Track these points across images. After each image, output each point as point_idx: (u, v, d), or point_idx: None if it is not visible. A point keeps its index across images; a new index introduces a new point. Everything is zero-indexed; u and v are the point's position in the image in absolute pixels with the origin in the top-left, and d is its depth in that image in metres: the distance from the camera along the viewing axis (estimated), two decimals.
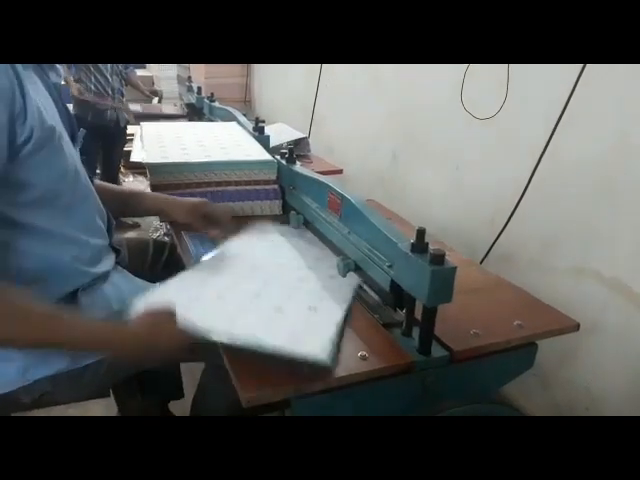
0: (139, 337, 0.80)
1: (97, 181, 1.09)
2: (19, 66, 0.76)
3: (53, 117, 0.84)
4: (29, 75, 0.80)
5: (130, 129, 3.03)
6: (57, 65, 0.93)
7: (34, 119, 0.77)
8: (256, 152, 1.40)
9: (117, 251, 1.05)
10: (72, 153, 0.89)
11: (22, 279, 0.82)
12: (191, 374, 1.29)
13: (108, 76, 2.99)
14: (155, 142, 1.47)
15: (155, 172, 1.27)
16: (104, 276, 0.96)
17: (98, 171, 3.31)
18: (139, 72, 5.30)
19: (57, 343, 0.78)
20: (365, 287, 0.98)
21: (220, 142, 1.48)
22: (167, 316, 0.81)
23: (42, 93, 0.84)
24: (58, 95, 0.90)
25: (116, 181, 3.32)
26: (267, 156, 1.35)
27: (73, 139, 0.93)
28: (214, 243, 1.12)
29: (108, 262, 0.99)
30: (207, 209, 1.12)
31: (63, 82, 2.84)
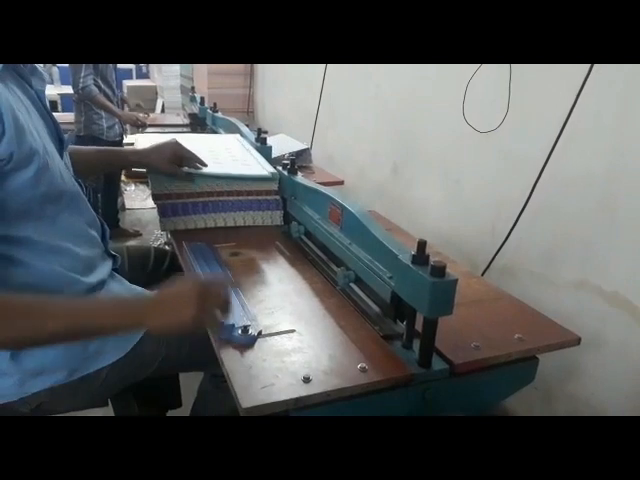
0: (159, 303, 0.76)
1: (78, 147, 1.17)
2: None
3: (38, 132, 0.82)
4: (9, 87, 0.78)
5: (130, 138, 3.02)
6: (40, 69, 0.91)
7: (12, 141, 0.74)
8: (260, 165, 1.39)
9: (114, 258, 1.05)
10: (59, 166, 0.87)
11: (13, 291, 0.79)
12: (189, 384, 1.28)
13: (115, 88, 2.93)
14: None
15: (157, 182, 1.27)
16: (100, 284, 0.96)
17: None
18: (143, 82, 5.36)
19: (81, 327, 0.73)
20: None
21: (223, 154, 1.48)
22: (189, 284, 0.77)
23: (23, 106, 0.81)
24: (42, 104, 0.88)
25: (117, 191, 3.31)
26: (270, 169, 1.35)
27: (61, 148, 0.91)
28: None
29: (104, 270, 0.99)
30: (183, 154, 1.27)
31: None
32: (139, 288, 1.05)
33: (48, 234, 0.86)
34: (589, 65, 1.19)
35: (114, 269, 1.04)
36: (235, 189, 1.31)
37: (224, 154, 1.49)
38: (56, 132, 0.91)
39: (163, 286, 0.79)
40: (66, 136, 0.94)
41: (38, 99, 0.88)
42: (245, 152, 1.55)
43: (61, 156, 0.91)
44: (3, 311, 0.69)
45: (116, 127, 2.90)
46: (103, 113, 2.80)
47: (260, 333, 0.85)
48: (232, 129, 1.86)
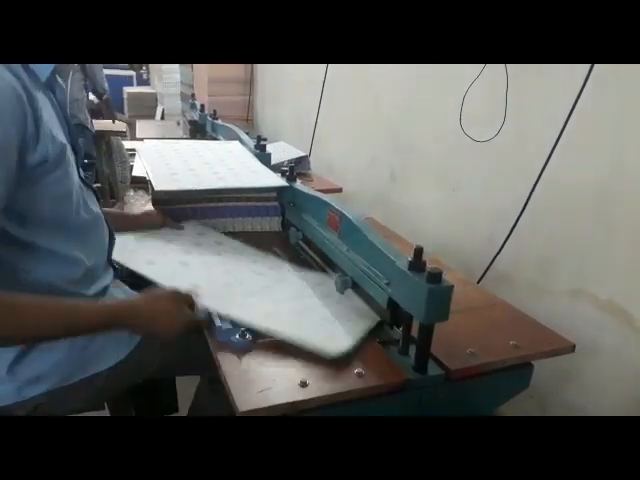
0: (138, 308, 0.88)
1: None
2: (30, 86, 0.77)
3: (64, 137, 0.85)
4: (40, 97, 0.81)
5: (130, 144, 2.98)
6: (60, 81, 0.94)
7: (47, 141, 0.79)
8: (263, 174, 1.39)
9: (115, 268, 1.05)
10: (76, 173, 0.91)
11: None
12: (186, 388, 1.28)
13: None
14: (162, 164, 1.45)
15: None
16: (103, 291, 0.97)
17: None
18: (143, 89, 5.38)
19: (75, 327, 0.82)
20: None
21: (226, 163, 1.48)
22: (170, 294, 0.90)
23: (51, 114, 0.85)
24: (63, 113, 0.91)
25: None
26: (279, 180, 1.33)
27: (76, 159, 0.93)
28: None
29: (107, 277, 1.00)
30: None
31: None
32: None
33: (64, 243, 0.87)
34: (585, 74, 1.21)
35: (117, 277, 1.05)
36: (235, 195, 1.32)
37: (234, 161, 1.49)
38: (72, 142, 0.92)
39: (144, 293, 0.92)
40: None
41: (60, 110, 0.90)
42: (251, 156, 1.54)
43: (77, 168, 0.93)
44: (11, 310, 0.74)
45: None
46: None
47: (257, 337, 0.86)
48: (232, 136, 1.87)
